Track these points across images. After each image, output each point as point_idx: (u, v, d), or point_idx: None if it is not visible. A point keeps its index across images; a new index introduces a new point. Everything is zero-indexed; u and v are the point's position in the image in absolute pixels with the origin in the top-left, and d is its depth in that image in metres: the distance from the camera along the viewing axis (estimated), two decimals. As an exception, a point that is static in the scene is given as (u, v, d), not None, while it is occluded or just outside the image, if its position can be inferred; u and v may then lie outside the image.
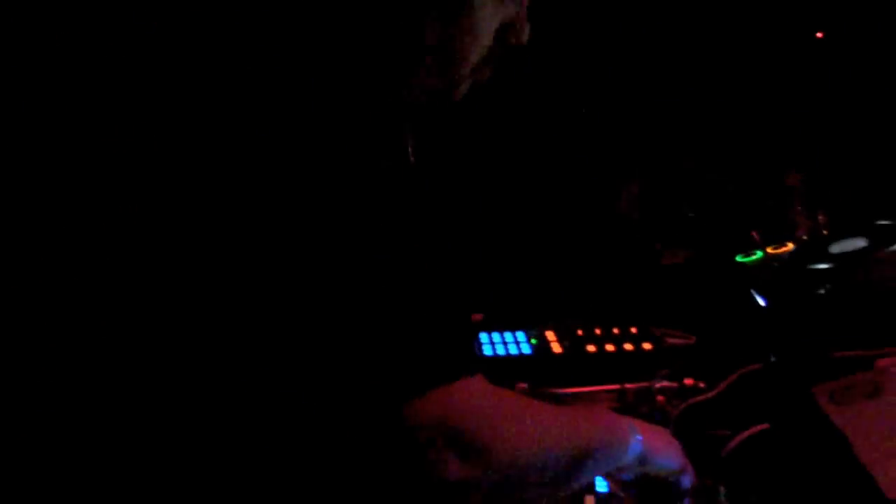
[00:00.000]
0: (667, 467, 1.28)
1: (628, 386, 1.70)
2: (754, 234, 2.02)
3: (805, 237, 1.89)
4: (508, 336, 1.90)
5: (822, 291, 1.71)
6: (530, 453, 1.03)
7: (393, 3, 1.07)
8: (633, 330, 1.89)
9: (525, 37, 1.19)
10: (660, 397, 1.67)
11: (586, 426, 1.15)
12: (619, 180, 2.47)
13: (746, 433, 1.52)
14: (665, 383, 1.69)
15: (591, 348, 1.84)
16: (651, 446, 1.24)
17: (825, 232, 1.85)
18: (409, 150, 1.07)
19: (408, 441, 0.95)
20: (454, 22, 1.11)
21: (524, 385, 1.74)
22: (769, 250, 1.88)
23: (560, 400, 1.68)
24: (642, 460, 1.23)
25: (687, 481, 1.33)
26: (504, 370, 1.81)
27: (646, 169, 2.50)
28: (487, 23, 1.14)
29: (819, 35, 2.50)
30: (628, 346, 1.84)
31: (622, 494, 1.38)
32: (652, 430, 1.29)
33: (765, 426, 1.52)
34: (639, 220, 2.45)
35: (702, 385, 1.68)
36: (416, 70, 1.12)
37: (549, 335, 1.89)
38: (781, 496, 1.40)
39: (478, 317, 2.06)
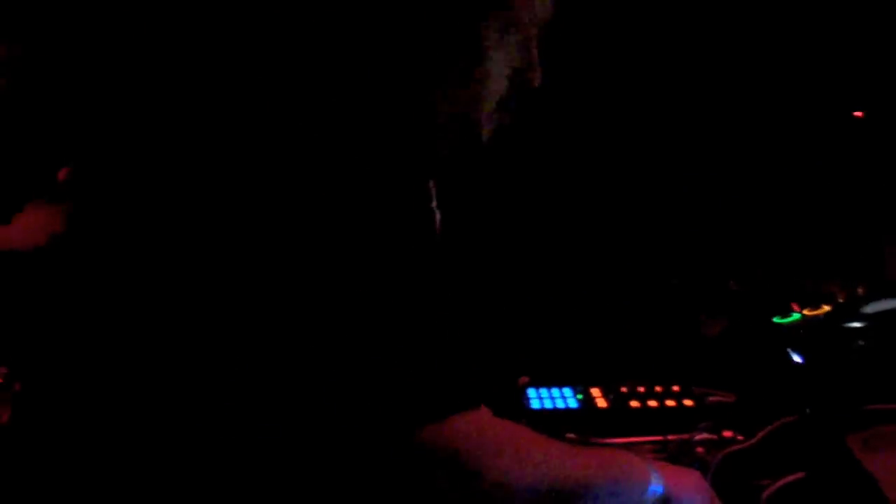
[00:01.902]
0: None
1: (670, 437, 1.77)
2: (794, 305, 2.10)
3: (841, 300, 1.96)
4: (556, 392, 1.98)
5: (856, 348, 1.78)
6: (522, 481, 1.05)
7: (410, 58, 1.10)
8: (675, 388, 1.96)
9: (537, 81, 1.23)
10: (700, 449, 1.74)
11: (590, 462, 1.17)
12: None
13: (784, 480, 1.59)
14: (705, 435, 1.75)
15: (634, 404, 1.92)
16: (676, 490, 1.27)
17: (860, 292, 1.93)
18: (434, 208, 1.10)
19: (409, 465, 0.99)
20: (468, 72, 1.15)
21: (572, 435, 1.81)
22: (806, 312, 1.95)
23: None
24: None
25: None
26: (550, 423, 1.88)
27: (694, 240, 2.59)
28: (498, 69, 1.18)
29: (859, 115, 2.59)
30: (670, 403, 1.91)
31: None
32: (680, 474, 1.33)
33: (801, 474, 1.59)
34: (682, 290, 2.53)
35: (740, 438, 1.75)
36: (434, 123, 1.13)
37: (595, 391, 1.97)
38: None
39: (524, 380, 2.14)
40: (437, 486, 1.00)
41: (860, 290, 2.13)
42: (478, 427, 1.03)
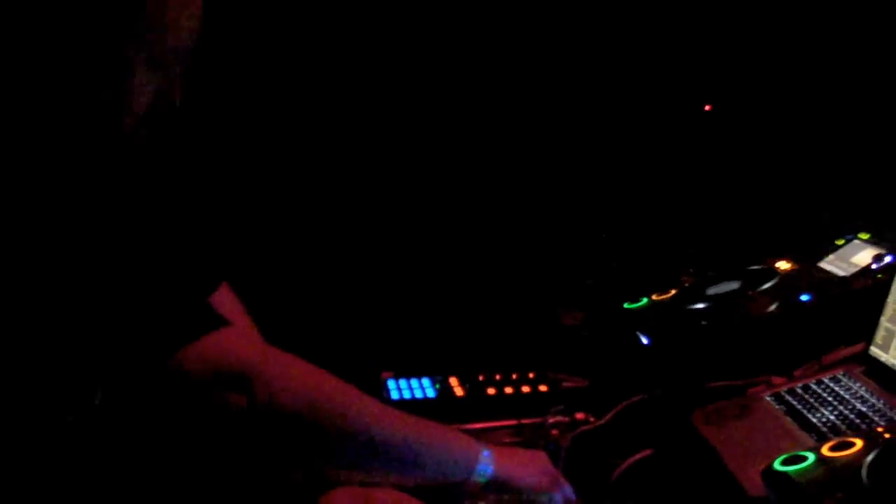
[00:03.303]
0: (530, 489, 1.38)
1: (525, 421, 1.81)
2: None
3: (687, 284, 2.04)
4: (415, 382, 2.00)
5: (699, 328, 1.85)
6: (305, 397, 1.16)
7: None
8: (531, 375, 2.00)
9: (179, 98, 1.24)
10: (554, 431, 1.78)
11: (415, 427, 1.30)
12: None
13: (632, 459, 1.64)
14: (559, 418, 1.80)
15: (491, 391, 1.95)
16: (507, 471, 1.35)
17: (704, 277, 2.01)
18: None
19: (180, 389, 1.09)
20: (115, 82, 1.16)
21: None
22: (654, 297, 2.02)
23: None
24: (502, 485, 1.34)
25: (559, 499, 1.41)
26: (409, 412, 1.90)
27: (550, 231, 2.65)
28: (142, 83, 1.18)
29: (707, 108, 2.69)
30: (526, 389, 1.95)
31: None
32: (519, 456, 1.41)
33: (649, 451, 1.65)
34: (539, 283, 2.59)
35: (592, 419, 1.80)
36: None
37: (453, 381, 2.00)
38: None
39: (387, 374, 2.16)
40: (232, 404, 1.11)
41: (710, 274, 2.22)
42: (242, 344, 1.15)
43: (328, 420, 1.19)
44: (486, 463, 1.32)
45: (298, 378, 1.18)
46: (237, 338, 1.17)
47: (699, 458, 1.58)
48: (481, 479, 1.32)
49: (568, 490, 1.43)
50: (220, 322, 1.15)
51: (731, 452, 1.50)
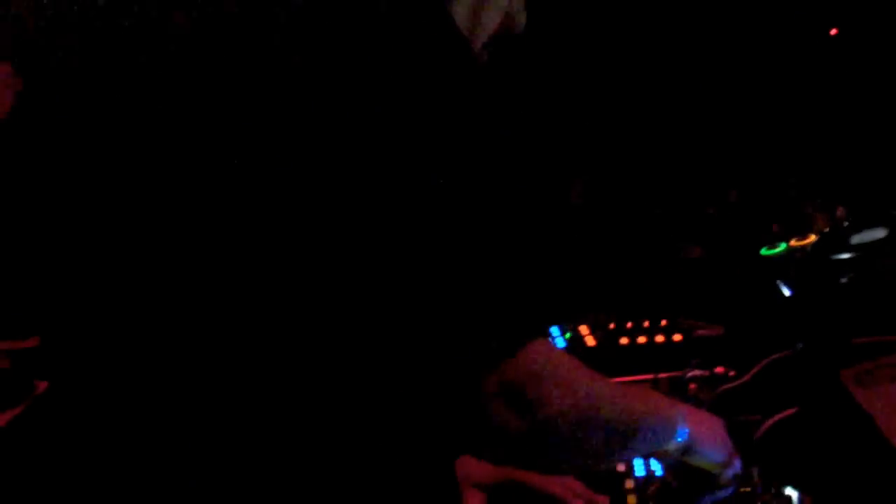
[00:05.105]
0: (710, 460, 1.32)
1: (661, 376, 1.78)
2: (774, 227, 2.09)
3: (827, 229, 1.96)
4: (543, 331, 1.98)
5: (845, 280, 1.78)
6: (579, 414, 1.08)
7: None
8: (663, 322, 1.96)
9: (521, 27, 1.24)
10: (692, 385, 1.75)
11: (639, 404, 1.20)
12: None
13: (777, 417, 1.59)
14: (697, 372, 1.76)
15: (623, 341, 1.92)
16: (698, 438, 1.27)
17: (846, 223, 1.92)
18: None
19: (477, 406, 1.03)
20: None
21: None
22: (793, 243, 1.95)
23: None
24: (686, 450, 1.26)
25: (730, 473, 1.37)
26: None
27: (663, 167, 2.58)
28: (492, 5, 1.19)
29: (833, 32, 2.56)
30: (659, 339, 1.92)
31: (666, 478, 1.44)
32: (703, 422, 1.32)
33: (794, 410, 1.60)
34: (660, 217, 2.53)
35: (732, 373, 1.75)
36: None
37: (583, 329, 1.97)
38: (812, 477, 1.48)
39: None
40: (509, 423, 1.03)
41: (839, 212, 2.13)
42: (542, 358, 1.05)
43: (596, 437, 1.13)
44: (683, 428, 1.25)
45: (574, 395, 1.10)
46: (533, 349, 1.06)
47: (850, 422, 1.52)
48: (675, 445, 1.25)
49: (738, 464, 1.38)
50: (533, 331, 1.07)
51: (888, 422, 1.44)
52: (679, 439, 1.24)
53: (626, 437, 1.16)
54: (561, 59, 2.46)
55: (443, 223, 1.02)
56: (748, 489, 1.45)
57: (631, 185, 2.57)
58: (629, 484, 1.57)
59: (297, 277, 1.00)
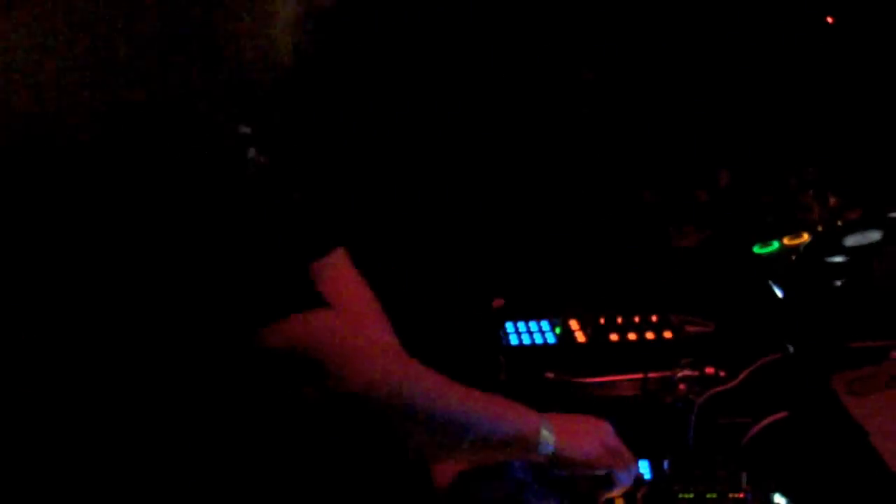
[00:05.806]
0: (589, 469, 1.30)
1: (651, 375, 1.77)
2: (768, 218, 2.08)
3: (820, 228, 1.94)
4: (533, 325, 1.96)
5: (838, 283, 1.77)
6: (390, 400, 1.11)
7: None
8: (654, 318, 1.95)
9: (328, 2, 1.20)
10: (682, 386, 1.73)
11: (478, 405, 1.20)
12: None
13: (766, 421, 1.59)
14: (687, 372, 1.75)
15: (613, 337, 1.90)
16: (569, 449, 1.26)
17: (839, 223, 1.91)
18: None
19: (266, 362, 1.05)
20: None
21: (551, 376, 1.81)
22: (785, 241, 1.93)
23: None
24: (558, 461, 1.26)
25: (624, 478, 1.35)
26: (530, 359, 1.87)
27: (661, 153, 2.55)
28: None
29: (829, 20, 2.54)
30: (649, 335, 1.90)
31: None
32: (577, 432, 1.30)
33: (784, 414, 1.59)
34: (651, 204, 2.50)
35: (722, 374, 1.74)
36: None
37: (573, 324, 1.95)
38: (800, 482, 1.48)
39: (499, 302, 2.12)
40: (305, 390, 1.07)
41: (832, 201, 2.12)
42: (330, 326, 1.08)
43: (410, 408, 1.15)
44: (547, 443, 1.24)
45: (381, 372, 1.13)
46: (326, 320, 1.09)
47: (839, 430, 1.52)
48: (544, 453, 1.25)
49: (634, 466, 1.36)
50: (315, 301, 1.09)
51: (880, 432, 1.44)
52: (544, 451, 1.24)
53: (457, 438, 1.18)
54: (553, 39, 2.43)
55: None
56: (738, 495, 1.44)
57: (618, 168, 2.54)
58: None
59: None
